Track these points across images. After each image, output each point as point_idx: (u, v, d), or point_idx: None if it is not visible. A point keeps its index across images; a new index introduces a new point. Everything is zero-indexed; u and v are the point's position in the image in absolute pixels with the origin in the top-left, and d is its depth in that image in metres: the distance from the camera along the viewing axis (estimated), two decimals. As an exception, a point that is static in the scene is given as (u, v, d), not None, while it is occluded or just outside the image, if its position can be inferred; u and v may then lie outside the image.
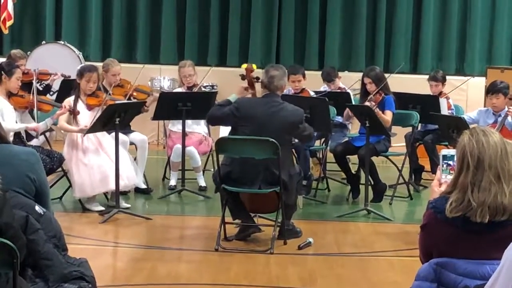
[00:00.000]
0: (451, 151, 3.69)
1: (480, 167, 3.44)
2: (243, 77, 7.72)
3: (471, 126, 7.31)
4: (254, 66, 7.83)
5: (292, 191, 6.93)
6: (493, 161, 3.44)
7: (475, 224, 3.45)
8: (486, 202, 3.43)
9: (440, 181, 3.68)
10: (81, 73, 8.15)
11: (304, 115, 7.01)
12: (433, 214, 3.54)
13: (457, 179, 3.49)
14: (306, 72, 9.49)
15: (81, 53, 12.34)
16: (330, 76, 10.14)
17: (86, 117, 8.01)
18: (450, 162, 3.67)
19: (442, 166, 3.70)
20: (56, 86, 9.93)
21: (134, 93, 9.01)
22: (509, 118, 8.24)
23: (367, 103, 8.38)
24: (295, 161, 7.75)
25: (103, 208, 8.02)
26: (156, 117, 9.02)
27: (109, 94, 8.39)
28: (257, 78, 7.48)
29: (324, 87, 10.18)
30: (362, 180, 8.60)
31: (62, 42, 12.43)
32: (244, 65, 7.69)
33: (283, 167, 6.73)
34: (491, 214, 3.43)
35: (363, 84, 8.70)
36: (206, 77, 9.78)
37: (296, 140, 7.64)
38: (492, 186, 3.43)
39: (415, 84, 11.32)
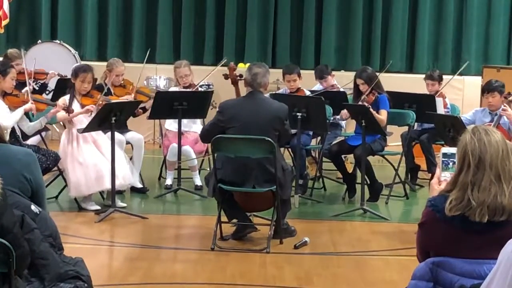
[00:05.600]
0: (451, 149, 3.67)
1: (481, 167, 3.43)
2: (226, 76, 7.72)
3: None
4: (242, 65, 7.80)
5: (287, 185, 6.93)
6: (494, 161, 3.43)
7: (473, 224, 3.44)
8: (486, 202, 3.42)
9: (440, 179, 3.66)
10: (75, 73, 8.12)
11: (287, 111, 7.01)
12: (431, 213, 3.52)
13: (457, 178, 3.47)
14: (302, 71, 9.45)
15: (77, 52, 12.32)
16: (323, 73, 10.08)
17: (80, 117, 8.00)
18: (450, 160, 3.66)
19: (442, 164, 3.69)
20: (52, 85, 9.93)
21: (136, 96, 8.96)
22: (504, 117, 8.24)
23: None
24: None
25: (99, 207, 8.00)
26: (152, 116, 9.00)
27: (104, 95, 8.35)
28: (241, 76, 7.48)
29: (317, 86, 10.16)
30: (358, 180, 8.59)
31: (58, 41, 12.42)
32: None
33: (277, 164, 6.73)
34: (490, 214, 3.42)
35: (356, 85, 8.68)
36: (202, 77, 9.76)
37: None
38: (492, 186, 3.42)
39: (411, 83, 11.31)
